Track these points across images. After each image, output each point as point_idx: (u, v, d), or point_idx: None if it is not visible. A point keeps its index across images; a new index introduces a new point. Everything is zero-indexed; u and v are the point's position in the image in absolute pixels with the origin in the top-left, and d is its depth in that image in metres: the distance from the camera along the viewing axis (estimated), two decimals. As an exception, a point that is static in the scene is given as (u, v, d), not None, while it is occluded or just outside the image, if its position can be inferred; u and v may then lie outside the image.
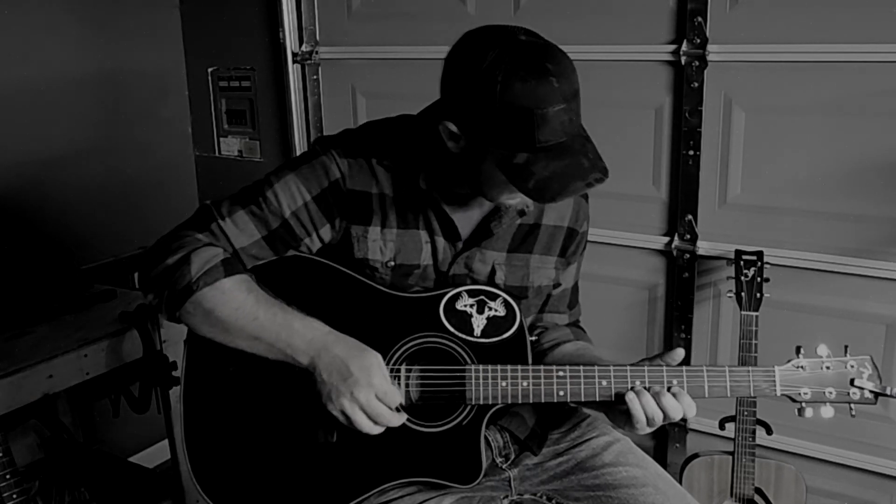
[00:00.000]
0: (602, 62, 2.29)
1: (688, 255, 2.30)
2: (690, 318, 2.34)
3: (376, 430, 1.32)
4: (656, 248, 2.37)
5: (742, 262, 2.05)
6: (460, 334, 1.38)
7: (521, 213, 1.47)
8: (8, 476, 1.89)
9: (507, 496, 1.45)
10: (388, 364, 1.38)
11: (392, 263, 1.43)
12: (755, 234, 2.22)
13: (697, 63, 2.17)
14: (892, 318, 2.11)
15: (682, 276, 2.33)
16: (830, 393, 1.34)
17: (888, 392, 1.33)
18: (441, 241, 1.45)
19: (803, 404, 1.34)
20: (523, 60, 1.21)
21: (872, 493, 2.26)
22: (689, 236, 2.29)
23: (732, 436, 2.06)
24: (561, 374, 1.34)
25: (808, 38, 2.05)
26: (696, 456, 2.17)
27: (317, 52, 2.79)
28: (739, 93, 2.17)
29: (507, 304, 1.39)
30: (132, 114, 2.92)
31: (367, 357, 1.31)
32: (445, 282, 1.46)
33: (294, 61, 2.81)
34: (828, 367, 1.34)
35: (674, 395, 1.31)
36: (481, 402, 1.36)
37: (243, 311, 1.34)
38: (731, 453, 2.07)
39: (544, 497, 1.46)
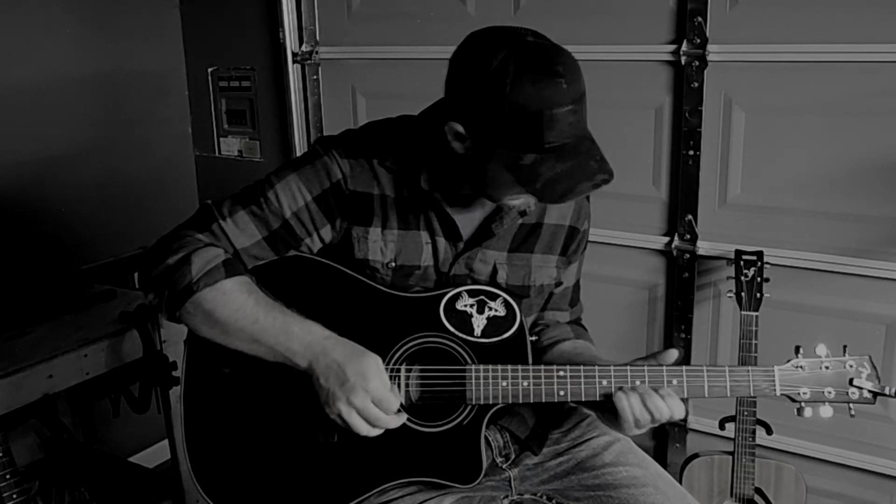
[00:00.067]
0: (602, 62, 2.29)
1: (688, 255, 2.30)
2: (690, 318, 2.34)
3: (374, 432, 1.32)
4: (656, 248, 2.37)
5: (742, 262, 2.05)
6: (460, 334, 1.38)
7: (523, 213, 1.46)
8: (8, 476, 1.89)
9: (507, 496, 1.45)
10: (388, 364, 1.38)
11: (393, 264, 1.43)
12: (755, 234, 2.22)
13: (697, 63, 2.17)
14: (892, 318, 2.11)
15: (682, 276, 2.33)
16: (829, 393, 1.34)
17: (887, 392, 1.33)
18: (442, 242, 1.45)
19: (802, 404, 1.34)
20: (533, 61, 1.21)
21: (872, 493, 2.26)
22: (689, 236, 2.29)
23: (732, 436, 2.06)
24: (561, 373, 1.34)
25: (808, 38, 2.05)
26: (696, 456, 2.17)
27: (317, 52, 2.79)
28: (739, 93, 2.17)
29: (507, 303, 1.39)
30: (132, 114, 2.92)
31: (364, 361, 1.31)
32: (446, 282, 1.45)
33: (294, 61, 2.80)
34: (827, 367, 1.34)
35: (661, 396, 1.31)
36: (482, 402, 1.36)
37: (243, 312, 1.34)
38: (731, 453, 2.07)
39: (544, 497, 1.46)
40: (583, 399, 1.34)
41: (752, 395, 1.35)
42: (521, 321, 1.39)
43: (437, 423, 1.38)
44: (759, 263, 2.04)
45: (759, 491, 2.08)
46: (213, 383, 1.43)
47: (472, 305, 1.39)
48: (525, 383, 1.34)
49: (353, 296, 1.42)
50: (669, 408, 1.31)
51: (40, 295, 2.34)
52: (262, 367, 1.36)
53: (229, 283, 1.34)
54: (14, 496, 1.90)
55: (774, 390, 1.33)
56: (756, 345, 1.98)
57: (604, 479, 1.43)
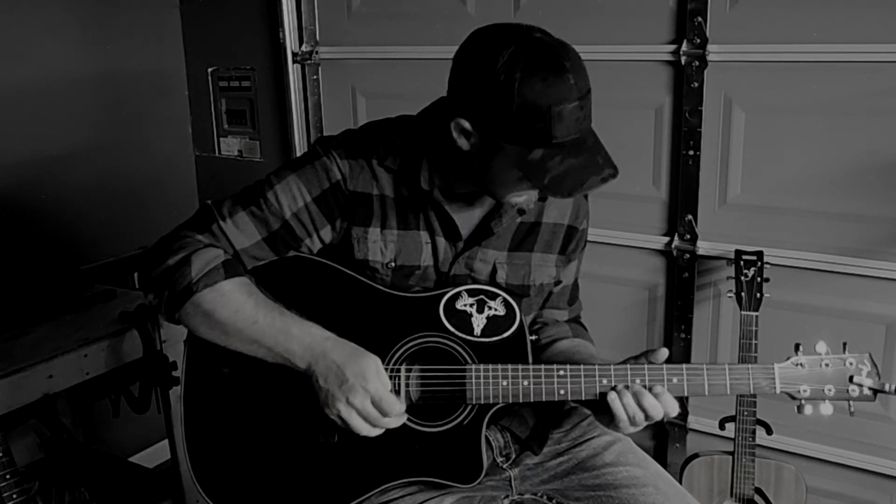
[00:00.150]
0: (602, 62, 2.29)
1: (688, 255, 2.30)
2: (690, 318, 2.34)
3: (374, 432, 1.32)
4: (656, 248, 2.37)
5: (742, 262, 2.05)
6: (460, 334, 1.38)
7: (521, 211, 1.47)
8: (8, 476, 1.89)
9: (507, 496, 1.45)
10: (388, 364, 1.38)
11: (393, 264, 1.43)
12: (755, 234, 2.22)
13: (697, 63, 2.17)
14: (892, 318, 2.11)
15: (682, 276, 2.33)
16: (829, 390, 1.34)
17: (887, 389, 1.33)
18: (442, 242, 1.45)
19: (803, 401, 1.34)
20: (541, 57, 1.22)
21: (872, 493, 2.26)
22: (689, 236, 2.29)
23: (732, 436, 2.06)
24: (561, 372, 1.34)
25: (808, 38, 2.05)
26: (696, 456, 2.17)
27: (317, 52, 2.79)
28: (739, 93, 2.17)
29: (506, 303, 1.40)
30: (132, 114, 2.92)
31: (363, 362, 1.31)
32: (446, 282, 1.46)
33: (294, 61, 2.80)
34: (827, 365, 1.34)
35: (656, 394, 1.31)
36: (482, 402, 1.36)
37: (242, 313, 1.34)
38: (731, 453, 2.07)
39: (545, 497, 1.46)
40: (583, 398, 1.34)
41: (752, 392, 1.34)
42: (521, 320, 1.39)
43: (438, 423, 1.38)
44: (759, 263, 2.04)
45: (759, 491, 2.08)
46: (213, 383, 1.43)
47: (471, 305, 1.40)
48: (525, 382, 1.34)
49: (353, 296, 1.42)
50: (663, 405, 1.31)
51: (40, 295, 2.34)
52: (262, 367, 1.36)
53: (228, 285, 1.34)
54: (14, 496, 1.90)
55: (774, 388, 1.33)
56: (756, 345, 1.98)
57: (604, 479, 1.43)
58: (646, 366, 1.34)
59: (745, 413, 2.03)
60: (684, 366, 1.33)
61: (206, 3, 3.00)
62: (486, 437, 1.47)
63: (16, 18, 2.54)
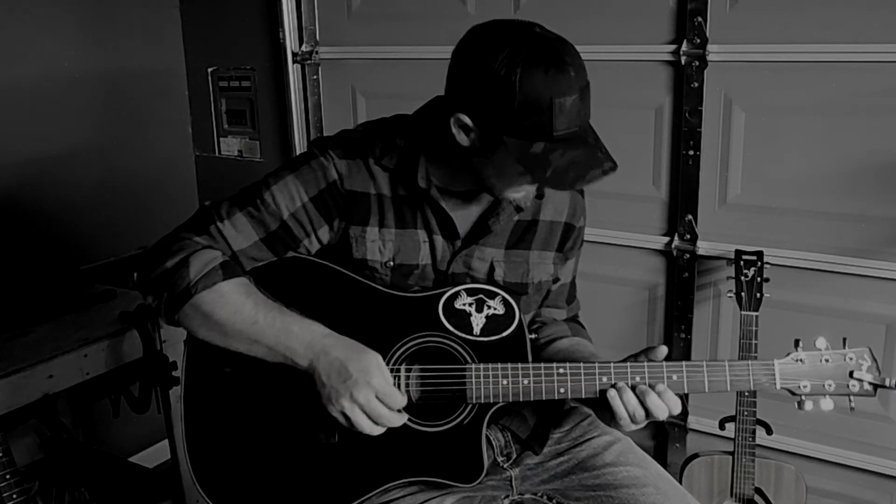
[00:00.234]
0: (602, 62, 2.29)
1: (688, 255, 2.30)
2: (690, 318, 2.34)
3: (377, 430, 1.32)
4: (656, 248, 2.37)
5: (742, 262, 2.05)
6: (460, 333, 1.38)
7: (518, 209, 1.47)
8: (8, 476, 1.89)
9: (508, 496, 1.45)
10: (387, 364, 1.38)
11: (391, 263, 1.43)
12: (755, 234, 2.22)
13: (697, 63, 2.17)
14: (892, 318, 2.11)
15: (682, 276, 2.33)
16: (830, 385, 1.34)
17: (887, 384, 1.33)
18: (439, 240, 1.45)
19: (803, 397, 1.34)
20: (542, 51, 1.23)
21: (872, 493, 2.26)
22: (689, 236, 2.29)
23: (732, 436, 2.06)
24: (561, 371, 1.34)
25: (808, 38, 2.05)
26: (696, 456, 2.17)
27: (317, 52, 2.79)
28: (739, 93, 2.17)
29: (505, 302, 1.40)
30: (132, 114, 2.92)
31: (366, 358, 1.32)
32: (445, 281, 1.46)
33: (294, 61, 2.81)
34: (827, 360, 1.34)
35: (659, 393, 1.31)
36: (482, 401, 1.36)
37: (242, 314, 1.34)
38: (731, 453, 2.07)
39: (545, 497, 1.46)
40: (583, 396, 1.34)
41: (752, 388, 1.34)
42: (520, 319, 1.39)
43: (438, 423, 1.38)
44: (759, 263, 2.04)
45: (759, 491, 2.08)
46: (213, 384, 1.43)
47: (470, 304, 1.40)
48: (525, 381, 1.34)
49: (352, 296, 1.42)
50: (666, 403, 1.31)
51: (40, 295, 2.34)
52: (262, 367, 1.36)
53: (227, 285, 1.34)
54: (14, 496, 1.90)
55: (775, 384, 1.33)
56: (756, 345, 1.98)
57: (604, 479, 1.43)
58: (645, 363, 1.34)
59: (745, 413, 2.03)
60: (684, 363, 1.33)
61: (206, 3, 3.00)
62: (487, 437, 1.47)
63: (16, 18, 2.54)
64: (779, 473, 2.11)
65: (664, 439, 2.48)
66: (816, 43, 2.04)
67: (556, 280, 1.58)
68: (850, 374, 1.34)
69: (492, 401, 1.35)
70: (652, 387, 1.31)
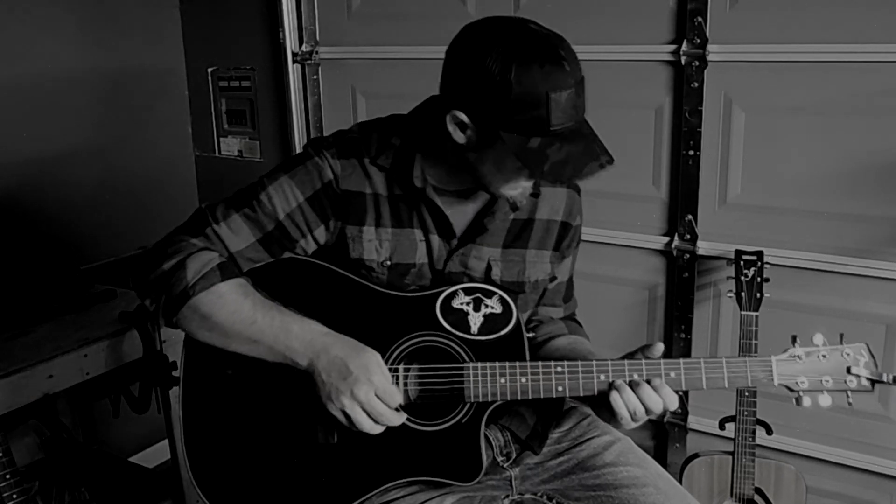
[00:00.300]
0: (602, 62, 2.29)
1: (688, 255, 2.30)
2: (690, 318, 2.34)
3: (377, 429, 1.32)
4: (656, 248, 2.37)
5: (742, 262, 2.05)
6: (457, 332, 1.38)
7: (514, 207, 1.47)
8: (8, 476, 1.89)
9: (507, 496, 1.45)
10: (386, 364, 1.38)
11: (388, 263, 1.43)
12: (755, 234, 2.21)
13: (697, 63, 2.17)
14: (892, 318, 2.11)
15: (682, 276, 2.33)
16: (827, 381, 1.34)
17: (884, 379, 1.33)
18: (436, 239, 1.45)
19: (800, 393, 1.34)
20: (537, 46, 1.23)
21: (872, 493, 2.26)
22: (689, 236, 2.29)
23: (732, 436, 2.06)
24: (559, 369, 1.34)
25: (808, 38, 2.05)
26: (696, 456, 2.17)
27: (317, 52, 2.79)
28: (739, 93, 2.17)
29: (503, 301, 1.40)
30: (132, 113, 2.92)
31: (365, 356, 1.32)
32: (442, 280, 1.46)
33: (294, 61, 2.81)
34: (824, 356, 1.34)
35: (655, 387, 1.31)
36: (480, 400, 1.36)
37: (240, 314, 1.34)
38: (731, 453, 2.07)
39: (545, 497, 1.46)
40: (581, 394, 1.34)
41: (749, 385, 1.35)
42: (518, 318, 1.39)
43: (437, 422, 1.38)
44: (759, 263, 2.04)
45: (759, 491, 2.08)
46: (211, 385, 1.43)
47: (468, 303, 1.40)
48: (523, 380, 1.34)
49: (350, 296, 1.42)
50: (663, 398, 1.31)
51: (40, 295, 2.34)
52: (261, 368, 1.36)
53: (225, 286, 1.34)
54: (14, 496, 1.90)
55: (772, 380, 1.33)
56: (756, 345, 1.98)
57: (604, 479, 1.43)
58: (643, 361, 1.34)
59: (745, 413, 2.03)
60: (681, 360, 1.34)
61: (206, 3, 3.00)
62: (487, 436, 1.47)
63: (16, 18, 2.54)
64: (779, 473, 2.11)
65: (664, 439, 2.48)
66: (816, 43, 2.04)
67: (553, 279, 1.58)
68: (848, 369, 1.34)
69: (490, 399, 1.36)
70: (648, 381, 1.31)
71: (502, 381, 1.35)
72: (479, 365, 1.36)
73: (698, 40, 2.16)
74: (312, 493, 1.40)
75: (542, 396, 1.34)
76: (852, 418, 2.20)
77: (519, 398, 1.35)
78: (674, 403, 1.32)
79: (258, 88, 2.97)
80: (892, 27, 1.96)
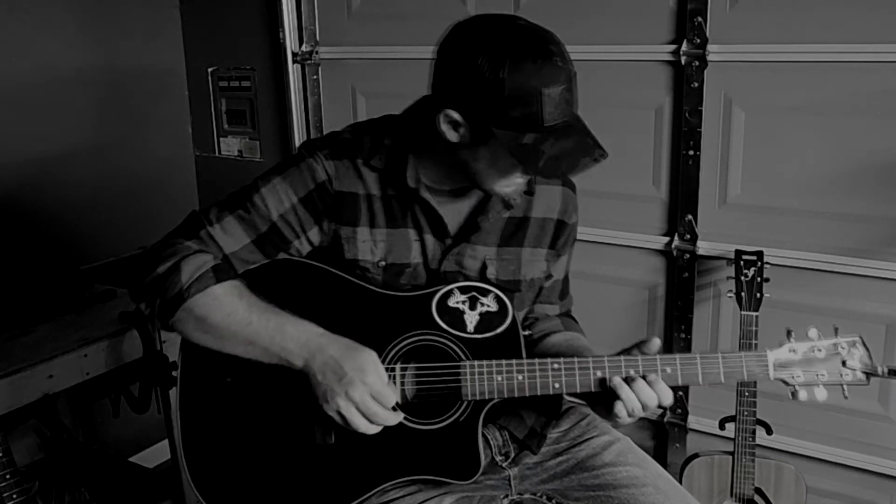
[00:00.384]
0: (602, 62, 2.29)
1: (688, 255, 2.30)
2: (690, 318, 2.34)
3: (373, 429, 1.32)
4: (656, 248, 2.37)
5: (742, 262, 2.05)
6: (454, 331, 1.38)
7: (508, 205, 1.47)
8: (8, 476, 1.89)
9: (507, 495, 1.45)
10: (382, 363, 1.38)
11: (383, 263, 1.43)
12: (755, 234, 2.21)
13: (697, 63, 2.17)
14: (892, 318, 2.11)
15: (682, 276, 2.33)
16: (823, 375, 1.34)
17: (879, 372, 1.33)
18: (430, 239, 1.45)
19: (796, 387, 1.35)
20: (528, 42, 1.23)
21: (872, 493, 2.26)
22: (689, 236, 2.29)
23: (732, 436, 2.06)
24: (556, 366, 1.34)
25: (808, 38, 2.05)
26: (696, 456, 2.17)
27: (317, 52, 2.79)
28: (739, 93, 2.17)
29: (498, 299, 1.39)
30: (132, 114, 2.92)
31: (361, 356, 1.31)
32: (437, 279, 1.45)
33: (294, 61, 2.81)
34: (819, 350, 1.34)
35: (650, 382, 1.31)
36: (477, 398, 1.36)
37: (236, 316, 1.34)
38: (731, 453, 2.07)
39: (544, 497, 1.46)
40: (578, 390, 1.34)
41: (745, 379, 1.35)
42: (514, 316, 1.39)
43: (434, 421, 1.38)
44: (759, 263, 2.04)
45: (759, 491, 2.08)
46: (209, 387, 1.43)
47: (464, 302, 1.39)
48: (520, 377, 1.34)
49: (345, 297, 1.42)
50: (657, 393, 1.31)
51: (40, 295, 2.34)
52: (257, 369, 1.36)
53: (220, 288, 1.34)
54: (14, 496, 1.90)
55: (768, 374, 1.33)
56: (756, 345, 1.98)
57: (604, 479, 1.43)
58: (639, 357, 1.34)
59: (745, 413, 2.03)
60: (678, 355, 1.34)
61: (206, 3, 3.00)
62: (485, 436, 1.47)
63: (15, 18, 2.54)
64: (779, 473, 2.11)
65: (664, 439, 2.48)
66: (816, 43, 2.04)
67: (548, 277, 1.58)
68: (843, 363, 1.34)
69: (487, 397, 1.35)
70: (644, 377, 1.31)
71: (499, 378, 1.35)
72: (476, 363, 1.35)
73: (698, 40, 2.16)
74: (311, 493, 1.40)
75: (538, 393, 1.34)
76: (852, 418, 2.20)
77: (516, 395, 1.35)
78: (668, 399, 1.32)
79: (258, 88, 2.97)
80: (892, 27, 1.96)
